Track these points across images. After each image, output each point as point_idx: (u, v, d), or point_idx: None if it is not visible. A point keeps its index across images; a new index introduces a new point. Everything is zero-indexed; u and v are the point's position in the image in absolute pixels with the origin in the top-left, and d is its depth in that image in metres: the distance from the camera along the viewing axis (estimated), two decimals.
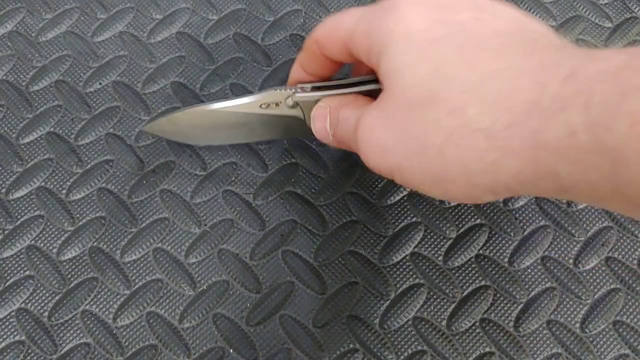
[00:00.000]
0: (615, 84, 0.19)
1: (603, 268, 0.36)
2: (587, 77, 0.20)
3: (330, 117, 0.29)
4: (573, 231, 0.37)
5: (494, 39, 0.23)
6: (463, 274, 0.36)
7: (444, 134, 0.23)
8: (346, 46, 0.28)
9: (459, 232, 0.37)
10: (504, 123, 0.21)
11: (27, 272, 0.36)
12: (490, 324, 0.35)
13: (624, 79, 0.19)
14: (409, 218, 0.37)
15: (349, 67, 0.35)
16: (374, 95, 0.27)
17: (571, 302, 0.36)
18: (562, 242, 0.37)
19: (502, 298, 0.36)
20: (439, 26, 0.24)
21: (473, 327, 0.35)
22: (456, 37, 0.23)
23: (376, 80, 0.28)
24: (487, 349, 0.35)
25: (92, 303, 0.35)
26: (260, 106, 0.31)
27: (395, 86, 0.24)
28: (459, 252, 0.37)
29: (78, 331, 0.35)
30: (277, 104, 0.31)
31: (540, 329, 0.35)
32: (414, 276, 0.36)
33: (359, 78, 0.30)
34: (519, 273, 0.36)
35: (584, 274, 0.36)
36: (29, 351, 0.34)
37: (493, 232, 0.37)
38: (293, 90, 0.30)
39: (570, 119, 0.20)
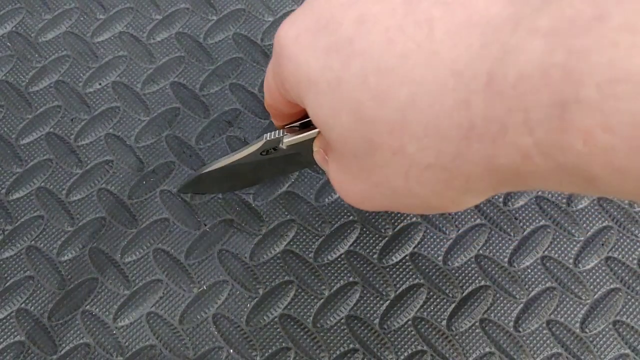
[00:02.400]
0: (547, 93, 0.16)
1: (603, 268, 0.36)
2: (512, 85, 0.17)
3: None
4: (573, 231, 0.37)
5: (390, 52, 0.20)
6: (463, 274, 0.36)
7: (401, 176, 0.21)
8: (290, 103, 0.26)
9: (459, 232, 0.37)
10: (449, 154, 0.20)
11: (27, 273, 0.36)
12: (490, 324, 0.35)
13: (556, 87, 0.16)
14: (408, 218, 0.37)
15: None
16: None
17: (571, 302, 0.36)
18: (562, 242, 0.37)
19: (502, 298, 0.36)
20: (332, 56, 0.21)
21: (473, 327, 0.35)
22: (354, 64, 0.20)
23: None
24: (487, 349, 0.35)
25: (92, 303, 0.35)
26: (261, 154, 0.31)
27: (332, 140, 0.23)
28: (459, 252, 0.37)
29: (78, 331, 0.35)
30: (274, 149, 0.30)
31: (540, 329, 0.35)
32: (414, 276, 0.36)
33: None
34: (519, 273, 0.36)
35: (584, 273, 0.36)
36: (29, 351, 0.34)
37: (493, 232, 0.37)
38: (282, 135, 0.29)
39: (516, 141, 0.17)
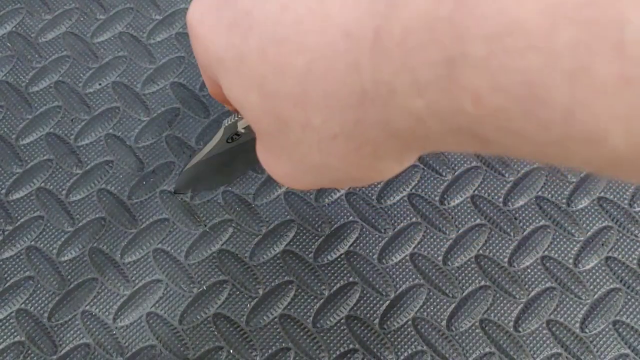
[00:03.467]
0: (434, 50, 0.15)
1: (603, 268, 0.36)
2: (397, 43, 0.16)
3: None
4: (573, 231, 0.37)
5: (285, 20, 0.19)
6: (463, 274, 0.36)
7: (315, 150, 0.21)
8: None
9: (459, 232, 0.37)
10: (350, 122, 0.19)
11: (27, 273, 0.36)
12: (490, 324, 0.35)
13: (443, 43, 0.15)
14: (408, 218, 0.37)
15: None
16: None
17: (571, 302, 0.35)
18: (562, 242, 0.37)
19: (502, 298, 0.36)
20: (234, 31, 0.20)
21: (473, 327, 0.35)
22: (253, 37, 0.20)
23: None
24: (487, 349, 0.35)
25: (92, 304, 0.35)
26: (227, 141, 0.31)
27: (249, 120, 0.22)
28: (459, 252, 0.37)
29: (78, 332, 0.35)
30: (237, 134, 0.30)
31: (540, 329, 0.35)
32: (414, 276, 0.36)
33: None
34: (519, 273, 0.36)
35: (584, 273, 0.36)
36: (29, 352, 0.34)
37: (493, 232, 0.37)
38: (234, 119, 0.29)
39: (407, 104, 0.17)
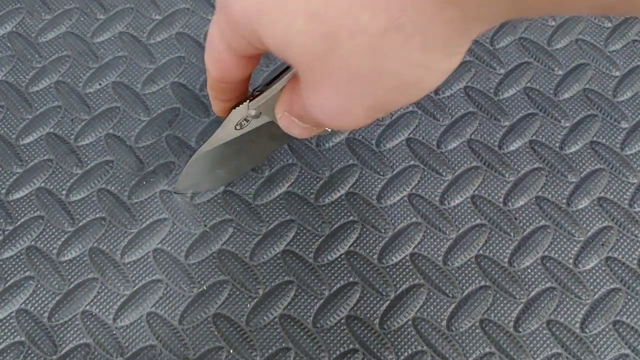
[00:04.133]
0: None
1: (603, 268, 0.36)
2: None
3: (296, 119, 0.28)
4: (573, 231, 0.37)
5: None
6: (463, 274, 0.36)
7: (366, 56, 0.21)
8: (241, 60, 0.26)
9: (459, 232, 0.37)
10: (397, 10, 0.20)
11: (27, 273, 0.36)
12: (490, 324, 0.35)
13: None
14: (408, 218, 0.37)
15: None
16: None
17: (571, 302, 0.35)
18: (562, 242, 0.37)
19: (502, 298, 0.36)
20: None
21: (473, 327, 0.35)
22: None
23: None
24: (487, 349, 0.35)
25: (92, 304, 0.35)
26: (235, 128, 0.31)
27: (296, 58, 0.23)
28: (459, 252, 0.37)
29: (78, 332, 0.35)
30: (246, 120, 0.30)
31: (540, 329, 0.35)
32: (414, 276, 0.36)
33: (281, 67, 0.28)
34: (519, 273, 0.36)
35: (584, 274, 0.36)
36: (29, 352, 0.34)
37: (493, 232, 0.37)
38: (245, 103, 0.29)
39: None
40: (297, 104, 0.27)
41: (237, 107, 0.29)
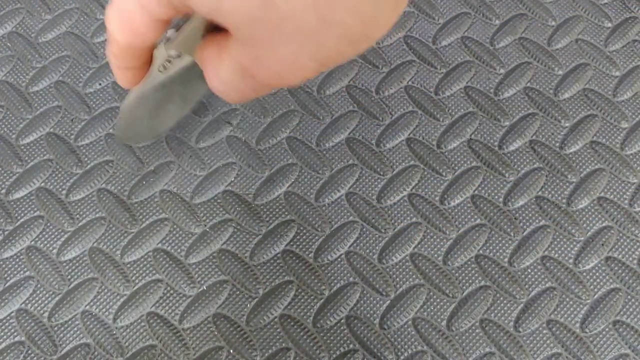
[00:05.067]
0: None
1: (603, 268, 0.36)
2: None
3: (229, 80, 0.25)
4: (573, 231, 0.37)
5: None
6: (463, 274, 0.36)
7: (311, 10, 0.20)
8: (156, 24, 0.24)
9: (459, 232, 0.37)
10: None
11: (27, 273, 0.36)
12: (490, 324, 0.35)
13: None
14: (408, 218, 0.37)
15: None
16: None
17: (571, 302, 0.35)
18: (562, 242, 0.37)
19: (502, 298, 0.36)
20: None
21: (473, 327, 0.35)
22: None
23: None
24: (487, 349, 0.35)
25: (92, 303, 0.35)
26: (159, 70, 0.29)
27: (230, 11, 0.21)
28: (459, 252, 0.37)
29: (78, 332, 0.35)
30: (168, 61, 0.28)
31: (540, 329, 0.35)
32: (414, 276, 0.36)
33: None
34: (519, 273, 0.36)
35: (584, 273, 0.36)
36: (29, 352, 0.34)
37: (493, 232, 0.37)
38: (162, 44, 0.27)
39: None
40: (229, 63, 0.24)
41: (156, 49, 0.28)
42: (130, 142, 0.37)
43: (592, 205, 0.38)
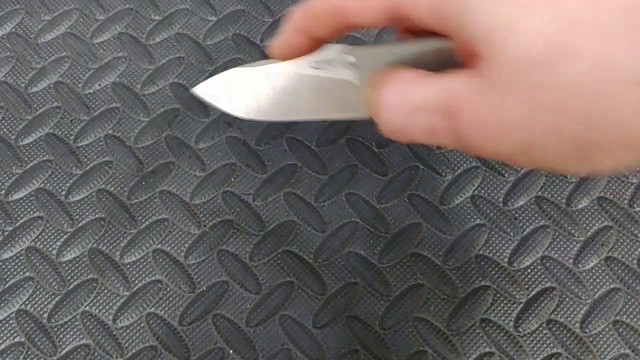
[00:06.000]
0: None
1: (603, 268, 0.36)
2: None
3: (403, 90, 0.21)
4: (573, 231, 0.37)
5: None
6: (463, 274, 0.36)
7: (591, 93, 0.17)
8: (391, 11, 0.21)
9: (459, 232, 0.37)
10: None
11: (27, 274, 0.36)
12: (490, 324, 0.35)
13: None
14: (409, 218, 0.37)
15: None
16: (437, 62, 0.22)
17: (571, 302, 0.36)
18: (561, 242, 0.37)
19: (502, 298, 0.36)
20: None
21: (473, 327, 0.35)
22: None
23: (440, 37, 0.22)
24: (487, 349, 0.35)
25: (91, 304, 0.35)
26: (311, 65, 0.26)
27: (505, 46, 0.18)
28: (459, 252, 0.37)
29: (78, 332, 0.35)
30: (329, 63, 0.25)
31: (540, 329, 0.35)
32: (414, 276, 0.36)
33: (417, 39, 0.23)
34: (519, 273, 0.36)
35: (584, 273, 0.36)
36: (29, 352, 0.34)
37: (493, 232, 0.37)
38: (340, 45, 0.24)
39: None
40: (445, 98, 0.20)
41: (331, 44, 0.24)
42: (211, 102, 0.29)
43: (591, 205, 0.38)
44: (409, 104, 0.21)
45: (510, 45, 0.18)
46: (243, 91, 0.28)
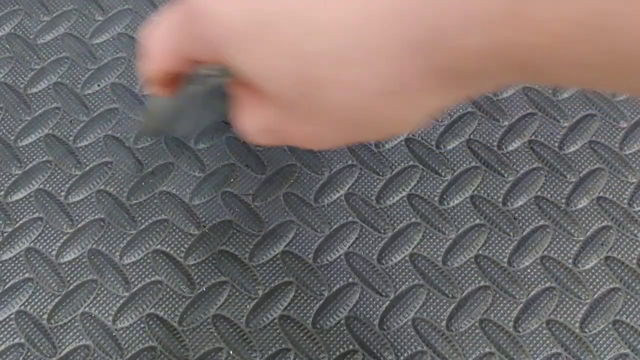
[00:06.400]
0: None
1: (602, 268, 0.36)
2: None
3: (253, 130, 0.25)
4: (572, 231, 0.37)
5: None
6: (463, 274, 0.36)
7: (351, 109, 0.20)
8: (187, 60, 0.24)
9: (459, 232, 0.37)
10: (396, 75, 0.19)
11: (26, 275, 0.36)
12: (490, 324, 0.35)
13: None
14: (408, 218, 0.37)
15: None
16: None
17: (571, 302, 0.35)
18: (561, 242, 0.37)
19: (501, 298, 0.36)
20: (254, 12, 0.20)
21: (473, 327, 0.35)
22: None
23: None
24: (487, 349, 0.35)
25: (91, 305, 0.35)
26: (193, 83, 0.28)
27: (270, 89, 0.21)
28: (458, 252, 0.37)
29: (77, 333, 0.35)
30: (204, 77, 0.27)
31: (540, 329, 0.35)
32: (414, 276, 0.36)
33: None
34: (519, 273, 0.36)
35: (584, 273, 0.36)
36: (29, 354, 0.34)
37: (493, 232, 0.37)
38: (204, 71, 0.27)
39: (462, 44, 0.17)
40: (261, 117, 0.24)
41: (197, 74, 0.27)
42: (155, 136, 0.37)
43: (591, 205, 0.38)
44: (256, 127, 0.25)
45: (273, 88, 0.21)
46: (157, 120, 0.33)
